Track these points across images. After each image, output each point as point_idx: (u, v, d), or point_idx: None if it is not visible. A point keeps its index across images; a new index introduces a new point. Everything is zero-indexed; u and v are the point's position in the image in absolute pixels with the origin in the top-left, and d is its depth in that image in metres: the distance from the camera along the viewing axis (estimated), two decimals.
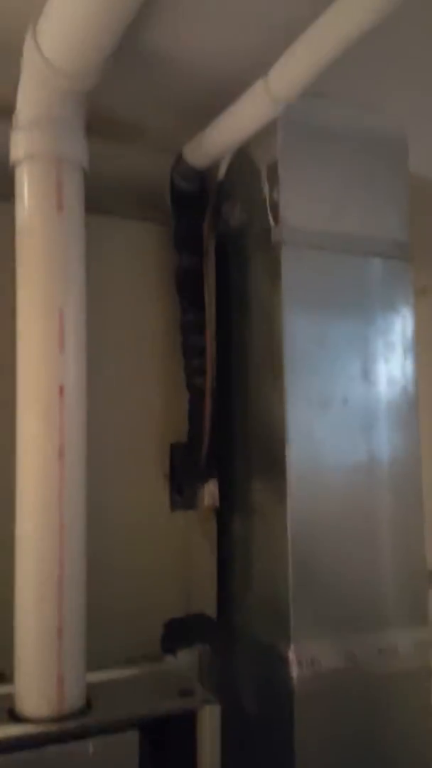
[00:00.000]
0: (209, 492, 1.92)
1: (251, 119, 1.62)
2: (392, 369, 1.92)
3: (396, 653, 1.78)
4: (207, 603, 1.94)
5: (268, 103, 1.52)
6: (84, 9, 1.26)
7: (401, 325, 1.96)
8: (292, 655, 1.63)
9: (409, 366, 1.94)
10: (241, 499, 1.94)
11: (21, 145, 1.52)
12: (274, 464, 1.77)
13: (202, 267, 1.97)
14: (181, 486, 1.93)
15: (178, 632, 1.87)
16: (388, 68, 1.76)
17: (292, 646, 1.64)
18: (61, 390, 1.43)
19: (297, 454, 1.74)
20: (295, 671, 1.63)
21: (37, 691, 1.43)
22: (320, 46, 1.30)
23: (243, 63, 1.60)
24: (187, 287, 1.95)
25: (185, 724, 1.57)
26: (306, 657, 1.65)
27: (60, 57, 1.41)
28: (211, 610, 1.95)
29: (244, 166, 1.95)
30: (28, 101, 1.52)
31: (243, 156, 1.93)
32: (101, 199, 1.82)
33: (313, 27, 1.32)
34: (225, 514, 1.99)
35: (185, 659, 1.85)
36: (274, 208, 1.83)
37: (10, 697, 1.48)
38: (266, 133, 1.76)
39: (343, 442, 1.81)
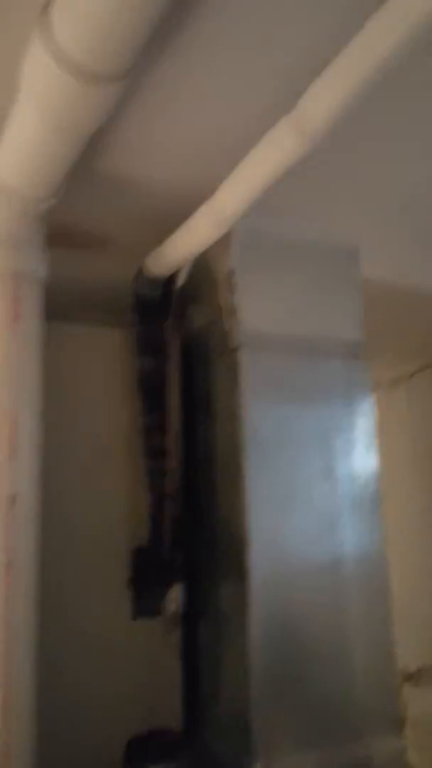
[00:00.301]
0: (174, 598, 1.88)
1: (202, 237, 1.71)
2: (355, 465, 1.93)
3: (370, 765, 1.70)
4: (172, 716, 1.86)
5: (215, 224, 1.61)
6: (35, 141, 1.36)
7: (362, 422, 1.98)
8: None
9: (372, 461, 1.96)
10: (208, 605, 1.90)
11: None
12: (237, 566, 1.75)
13: (165, 369, 2.02)
14: (144, 592, 1.89)
15: (142, 750, 1.77)
16: (339, 182, 1.88)
17: (257, 765, 1.57)
18: (13, 499, 1.43)
19: (259, 556, 1.72)
20: None
21: None
22: (256, 173, 1.39)
23: (196, 183, 1.71)
24: (149, 390, 1.99)
25: None
26: None
27: (17, 182, 1.51)
28: (177, 724, 1.86)
29: (204, 274, 2.04)
30: None
31: (203, 264, 2.02)
32: (65, 306, 1.89)
33: (250, 155, 1.42)
34: (192, 620, 1.94)
35: None
36: (232, 313, 1.90)
37: None
38: (223, 243, 1.85)
39: (307, 541, 1.80)
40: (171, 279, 2.09)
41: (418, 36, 1.08)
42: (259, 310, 1.92)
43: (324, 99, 1.11)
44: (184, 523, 1.94)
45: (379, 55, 1.09)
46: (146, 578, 1.89)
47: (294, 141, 1.20)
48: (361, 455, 1.95)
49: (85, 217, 1.93)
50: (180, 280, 2.05)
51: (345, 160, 1.74)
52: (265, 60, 1.34)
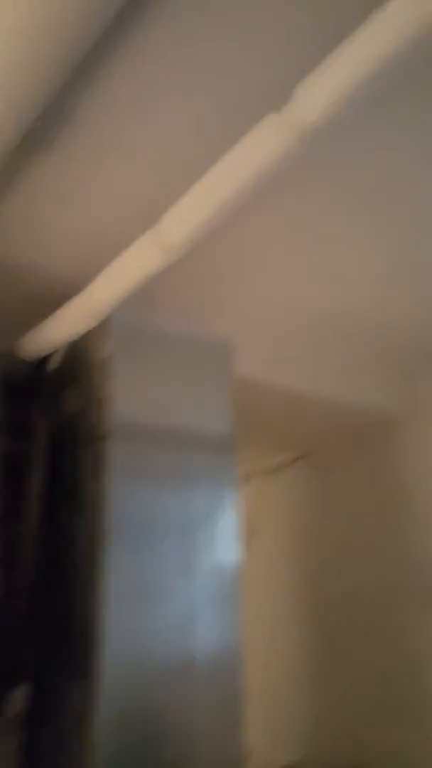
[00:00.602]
0: (16, 699, 1.76)
1: (75, 326, 1.73)
2: (215, 559, 1.93)
3: None
4: None
5: (86, 316, 1.64)
6: None
7: (226, 515, 2.00)
8: None
9: (234, 556, 1.96)
10: (55, 707, 1.79)
11: None
12: (86, 666, 1.67)
13: (28, 454, 1.97)
14: None
15: None
16: (215, 281, 1.97)
17: None
18: None
19: (111, 656, 1.65)
20: None
21: None
22: (122, 278, 1.44)
23: (74, 268, 1.74)
24: (8, 474, 1.92)
25: None
26: None
27: None
28: None
29: (79, 359, 2.03)
30: None
31: (78, 349, 2.02)
32: None
33: (117, 261, 1.47)
34: (36, 724, 1.82)
35: None
36: (103, 400, 1.90)
37: None
38: (99, 331, 1.87)
39: (162, 640, 1.76)
40: (44, 361, 2.07)
41: (280, 165, 1.17)
42: (130, 400, 1.93)
43: (183, 219, 1.18)
44: (35, 620, 1.84)
45: (237, 184, 1.17)
46: None
47: (155, 254, 1.26)
48: (223, 549, 1.96)
49: None
50: (52, 364, 2.03)
51: (222, 260, 1.83)
52: (137, 165, 1.42)
